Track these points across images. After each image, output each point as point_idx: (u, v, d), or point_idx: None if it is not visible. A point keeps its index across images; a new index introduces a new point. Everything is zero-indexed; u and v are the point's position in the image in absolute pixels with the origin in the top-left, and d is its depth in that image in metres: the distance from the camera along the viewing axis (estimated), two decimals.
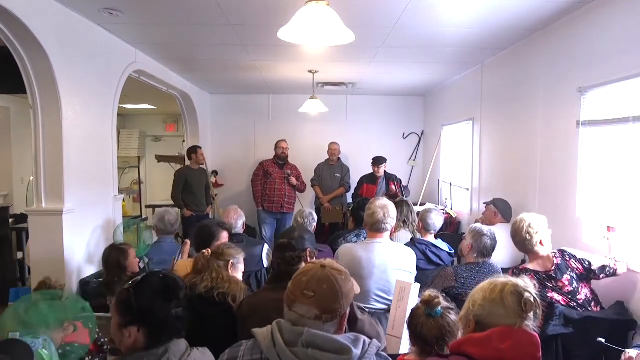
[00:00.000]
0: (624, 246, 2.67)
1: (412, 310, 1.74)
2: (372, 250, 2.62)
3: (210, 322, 2.08)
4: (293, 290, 1.36)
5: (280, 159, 6.08)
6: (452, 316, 1.68)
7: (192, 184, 5.69)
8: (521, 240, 2.56)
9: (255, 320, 1.48)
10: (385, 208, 2.68)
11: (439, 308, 1.66)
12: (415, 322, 1.68)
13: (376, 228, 2.67)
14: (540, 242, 2.53)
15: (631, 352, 1.69)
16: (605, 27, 2.86)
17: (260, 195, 6.07)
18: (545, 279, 2.48)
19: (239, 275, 2.45)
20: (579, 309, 2.47)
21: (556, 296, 2.47)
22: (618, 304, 2.59)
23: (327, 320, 1.32)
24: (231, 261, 2.38)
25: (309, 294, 1.32)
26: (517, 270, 2.56)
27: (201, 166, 5.93)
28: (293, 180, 6.05)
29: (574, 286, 2.49)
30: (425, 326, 1.64)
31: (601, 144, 2.93)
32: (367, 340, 1.35)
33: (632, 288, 2.58)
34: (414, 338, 1.69)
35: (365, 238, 2.95)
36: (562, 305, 2.45)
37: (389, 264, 2.59)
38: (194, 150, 5.79)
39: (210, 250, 2.42)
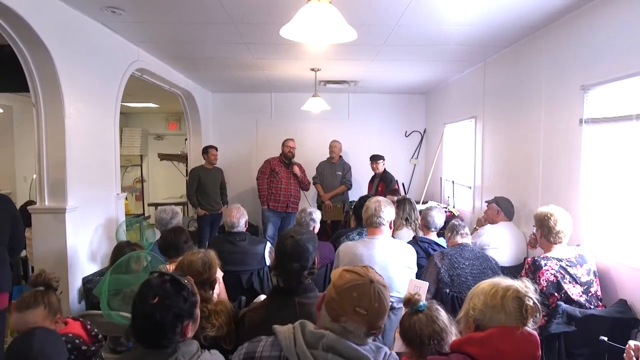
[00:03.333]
0: (627, 244, 2.67)
1: (401, 321, 1.70)
2: (373, 246, 2.63)
3: None
4: (342, 304, 1.31)
5: (287, 158, 6.01)
6: (441, 310, 1.68)
7: (206, 184, 5.82)
8: (558, 232, 2.66)
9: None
10: (377, 202, 2.72)
11: (422, 302, 1.66)
12: (409, 326, 1.65)
13: (371, 222, 2.70)
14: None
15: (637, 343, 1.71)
16: (608, 25, 2.85)
17: (265, 193, 6.00)
18: (568, 265, 2.58)
19: (220, 285, 2.15)
20: (588, 304, 2.52)
21: (571, 288, 2.53)
22: (621, 301, 2.59)
23: (371, 335, 1.32)
24: (214, 278, 2.08)
25: (361, 312, 1.29)
26: (539, 258, 2.61)
27: (216, 165, 5.98)
28: (296, 169, 5.97)
29: (590, 277, 2.60)
30: (417, 324, 1.63)
31: (604, 142, 2.92)
32: (388, 351, 1.36)
33: (635, 286, 2.58)
34: (412, 345, 1.65)
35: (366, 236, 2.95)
36: (577, 298, 2.52)
37: (389, 260, 2.60)
38: (205, 151, 5.91)
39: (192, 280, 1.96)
